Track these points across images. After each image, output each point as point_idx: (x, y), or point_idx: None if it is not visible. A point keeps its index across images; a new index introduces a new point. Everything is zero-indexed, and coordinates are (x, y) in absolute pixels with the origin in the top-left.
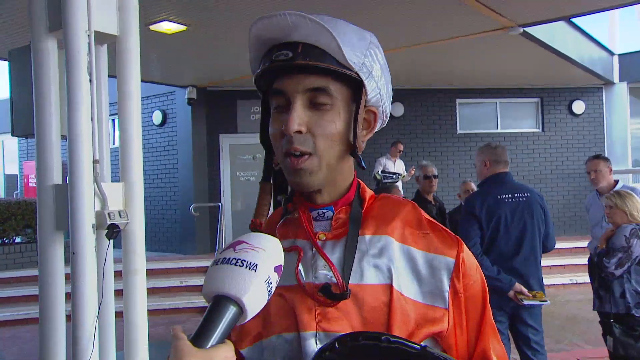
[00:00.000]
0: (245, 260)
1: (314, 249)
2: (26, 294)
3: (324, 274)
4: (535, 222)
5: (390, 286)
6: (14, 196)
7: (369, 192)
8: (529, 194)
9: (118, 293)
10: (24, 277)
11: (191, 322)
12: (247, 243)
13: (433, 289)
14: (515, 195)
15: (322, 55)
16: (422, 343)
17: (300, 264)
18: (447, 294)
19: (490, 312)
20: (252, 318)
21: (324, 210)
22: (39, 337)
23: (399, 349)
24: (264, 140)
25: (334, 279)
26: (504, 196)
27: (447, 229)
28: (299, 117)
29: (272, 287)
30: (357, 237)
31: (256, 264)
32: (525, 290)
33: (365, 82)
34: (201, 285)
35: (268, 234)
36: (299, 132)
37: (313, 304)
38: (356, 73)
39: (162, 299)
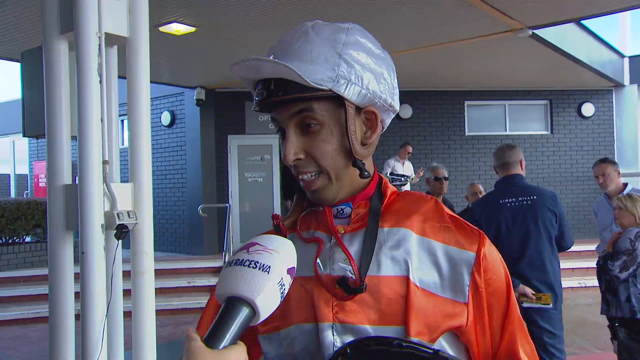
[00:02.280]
0: (258, 262)
1: (332, 240)
2: (36, 293)
3: (342, 266)
4: (541, 225)
5: (407, 278)
6: (24, 196)
7: (391, 189)
8: (535, 197)
9: (126, 293)
10: (33, 276)
11: None
12: (260, 245)
13: (453, 282)
14: (520, 199)
15: (293, 86)
16: (435, 347)
17: (319, 256)
18: (467, 289)
19: (517, 308)
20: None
21: (342, 207)
22: (49, 335)
23: (410, 354)
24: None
25: (351, 272)
26: (506, 200)
27: (469, 224)
28: (294, 146)
29: (284, 289)
30: (377, 231)
31: (269, 266)
32: (529, 292)
33: (344, 93)
34: (209, 286)
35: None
36: (299, 159)
37: (330, 296)
38: (330, 90)
39: (170, 299)
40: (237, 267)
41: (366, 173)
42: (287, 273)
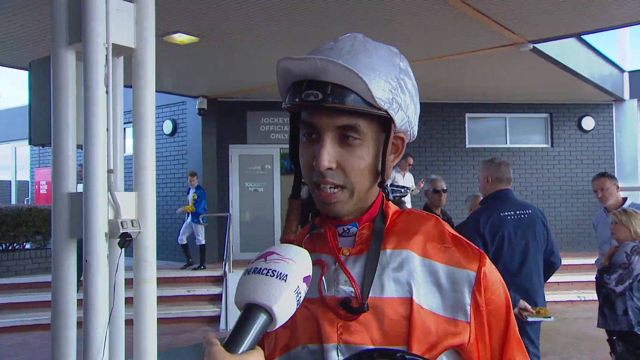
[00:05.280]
0: (275, 271)
1: (336, 263)
2: (36, 299)
3: (345, 288)
4: (538, 238)
5: (411, 300)
6: (25, 203)
7: (392, 208)
8: (530, 211)
9: (128, 301)
10: (34, 283)
11: (198, 332)
12: (277, 254)
13: (454, 302)
14: (518, 212)
15: (351, 96)
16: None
17: (323, 277)
18: (468, 308)
19: (516, 326)
20: (281, 329)
21: (349, 227)
22: (51, 343)
23: None
24: (294, 159)
25: (354, 293)
26: (507, 213)
27: (470, 243)
28: (329, 154)
29: (300, 297)
30: (379, 252)
31: (286, 275)
32: (529, 307)
33: (395, 117)
34: (208, 295)
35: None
36: (330, 168)
37: (335, 317)
38: (385, 111)
39: (169, 308)
40: (255, 275)
41: (391, 197)
42: (303, 281)
